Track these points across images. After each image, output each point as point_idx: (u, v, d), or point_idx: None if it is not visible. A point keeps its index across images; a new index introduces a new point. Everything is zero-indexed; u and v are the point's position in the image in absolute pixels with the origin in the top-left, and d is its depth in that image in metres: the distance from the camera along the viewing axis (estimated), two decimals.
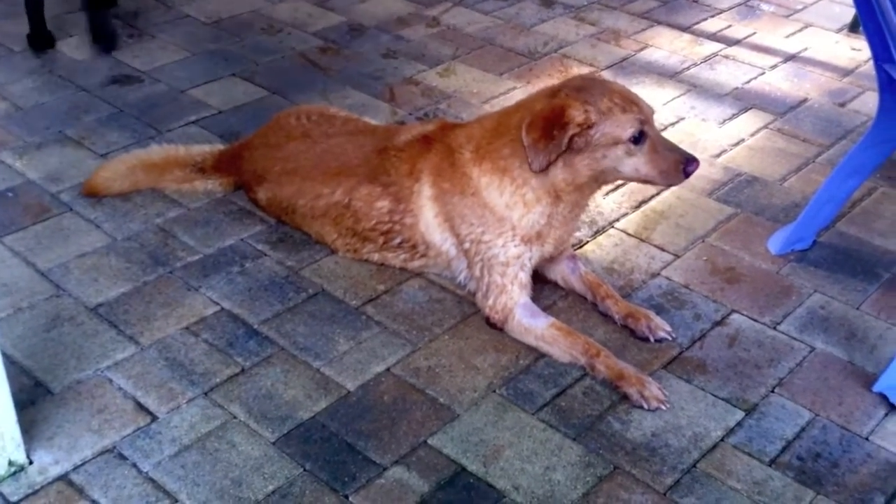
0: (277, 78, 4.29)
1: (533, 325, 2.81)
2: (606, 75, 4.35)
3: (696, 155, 3.71)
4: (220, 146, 3.59)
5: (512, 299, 2.83)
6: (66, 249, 3.14)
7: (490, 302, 2.86)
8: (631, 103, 2.67)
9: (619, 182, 3.55)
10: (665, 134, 3.86)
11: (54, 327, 2.83)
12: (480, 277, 2.88)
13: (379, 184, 3.04)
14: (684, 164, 2.66)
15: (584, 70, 4.40)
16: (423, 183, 2.96)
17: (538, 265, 2.96)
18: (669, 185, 2.78)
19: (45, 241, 3.19)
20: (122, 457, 2.44)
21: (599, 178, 2.76)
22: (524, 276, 2.87)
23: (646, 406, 2.60)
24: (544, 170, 2.69)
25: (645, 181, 2.76)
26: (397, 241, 3.04)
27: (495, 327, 2.86)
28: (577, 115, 2.63)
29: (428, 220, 2.97)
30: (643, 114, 2.67)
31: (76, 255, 3.12)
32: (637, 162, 2.67)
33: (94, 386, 2.64)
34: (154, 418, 2.54)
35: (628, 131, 2.64)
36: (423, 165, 2.97)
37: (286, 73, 4.34)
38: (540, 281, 3.00)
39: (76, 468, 2.40)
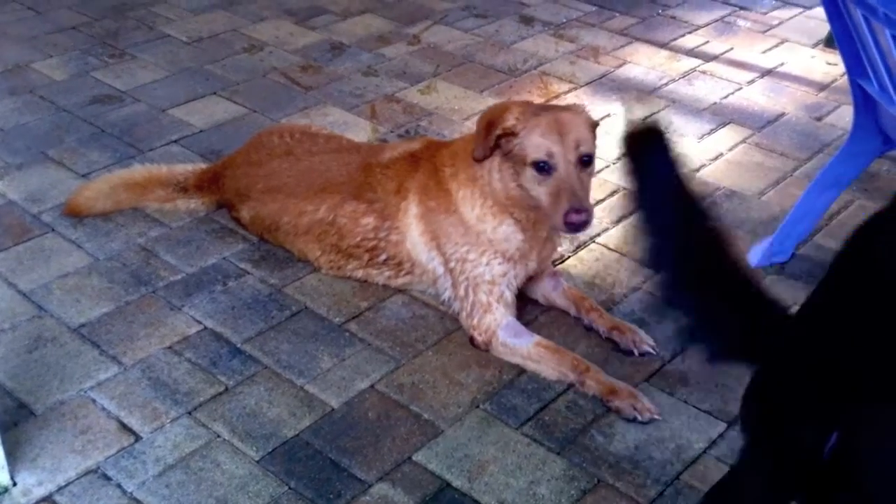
0: (258, 96, 4.30)
1: (518, 344, 2.82)
2: (585, 92, 4.39)
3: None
4: (201, 165, 3.60)
5: (496, 320, 2.84)
6: (48, 270, 3.14)
7: (474, 322, 2.87)
8: (555, 133, 2.66)
9: (600, 196, 3.59)
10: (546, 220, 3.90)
11: (36, 348, 2.82)
12: (465, 297, 2.89)
13: (364, 200, 3.05)
14: (566, 211, 2.60)
15: (564, 87, 4.43)
16: (411, 201, 2.98)
17: (521, 285, 2.97)
18: (556, 229, 2.75)
19: (27, 261, 3.18)
20: (107, 477, 2.43)
21: (526, 198, 2.74)
22: (509, 295, 2.89)
23: (640, 418, 2.62)
24: (480, 160, 2.77)
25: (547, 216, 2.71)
26: (382, 258, 3.05)
27: (480, 348, 2.87)
28: (508, 119, 2.71)
29: (414, 238, 2.98)
30: (559, 147, 2.64)
31: (58, 276, 3.11)
32: (540, 192, 2.68)
33: (77, 406, 2.63)
34: (138, 438, 2.54)
35: (533, 155, 2.66)
36: (410, 183, 2.99)
37: (267, 92, 4.35)
38: (521, 298, 3.01)
39: (60, 489, 2.39)
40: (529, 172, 2.68)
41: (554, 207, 2.64)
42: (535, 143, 2.66)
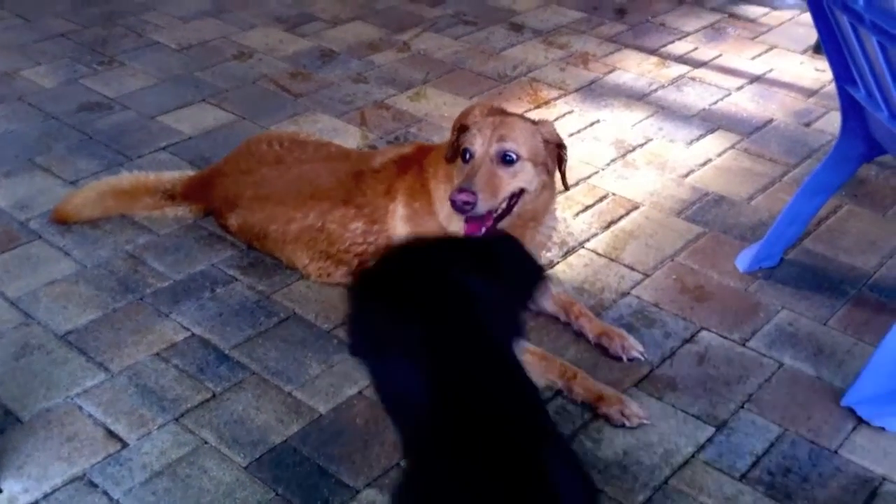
0: (248, 103, 4.30)
1: None
2: (575, 98, 4.39)
3: (665, 175, 3.74)
4: (189, 172, 3.59)
5: None
6: (35, 277, 3.13)
7: None
8: (488, 129, 2.70)
9: (589, 202, 3.60)
10: (633, 155, 3.92)
11: (23, 356, 2.81)
12: None
13: (353, 205, 3.05)
14: (452, 192, 2.65)
15: (554, 93, 4.44)
16: (398, 203, 2.98)
17: None
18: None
19: (14, 269, 3.17)
20: (93, 484, 2.42)
21: None
22: None
23: (628, 424, 2.61)
24: (450, 161, 2.81)
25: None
26: (372, 262, 3.03)
27: None
28: (468, 117, 2.80)
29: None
30: (482, 139, 2.69)
31: (45, 283, 3.10)
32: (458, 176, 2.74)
33: (63, 414, 2.62)
34: (124, 445, 2.53)
35: (463, 145, 2.73)
36: (399, 185, 2.99)
37: (256, 99, 4.35)
38: None
39: (46, 496, 2.38)
40: (460, 161, 2.74)
41: (455, 185, 2.69)
42: (468, 134, 2.73)
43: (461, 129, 2.78)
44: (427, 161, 2.97)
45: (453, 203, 2.64)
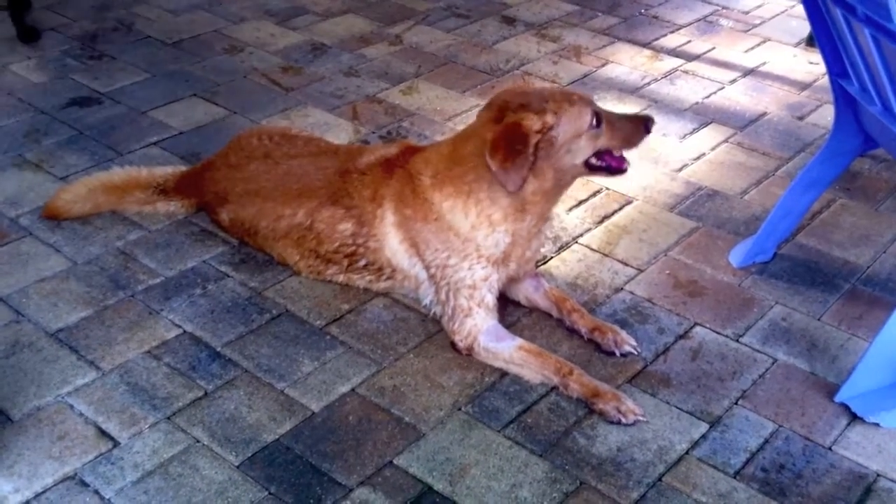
0: (239, 98, 4.27)
1: (500, 348, 2.80)
2: None
3: (658, 170, 3.74)
4: (181, 167, 3.57)
5: (477, 325, 2.82)
6: (26, 274, 3.11)
7: (455, 326, 2.84)
8: (573, 97, 2.76)
9: (582, 197, 3.58)
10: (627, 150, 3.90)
11: (13, 354, 2.79)
12: (446, 301, 2.86)
13: (342, 206, 3.02)
14: (644, 124, 2.83)
15: (546, 86, 4.42)
16: (386, 209, 2.95)
17: (502, 287, 2.95)
18: (631, 149, 2.88)
19: (4, 266, 3.15)
20: (84, 484, 2.40)
21: (564, 178, 2.79)
22: (490, 299, 2.86)
23: (624, 420, 2.60)
24: (521, 187, 2.69)
25: (605, 166, 2.83)
26: (362, 263, 3.02)
27: (461, 353, 2.85)
28: (533, 123, 2.65)
29: (394, 246, 2.95)
30: (589, 101, 2.77)
31: (35, 280, 3.08)
32: (603, 141, 2.77)
33: (54, 412, 2.60)
34: (116, 444, 2.51)
35: (586, 122, 2.72)
36: (385, 191, 2.96)
37: (248, 93, 4.33)
38: (503, 300, 2.99)
39: (37, 496, 2.36)
40: (585, 138, 2.73)
41: (624, 135, 2.82)
42: (576, 112, 2.71)
43: (548, 130, 2.65)
44: (416, 167, 2.89)
45: (650, 130, 2.84)
